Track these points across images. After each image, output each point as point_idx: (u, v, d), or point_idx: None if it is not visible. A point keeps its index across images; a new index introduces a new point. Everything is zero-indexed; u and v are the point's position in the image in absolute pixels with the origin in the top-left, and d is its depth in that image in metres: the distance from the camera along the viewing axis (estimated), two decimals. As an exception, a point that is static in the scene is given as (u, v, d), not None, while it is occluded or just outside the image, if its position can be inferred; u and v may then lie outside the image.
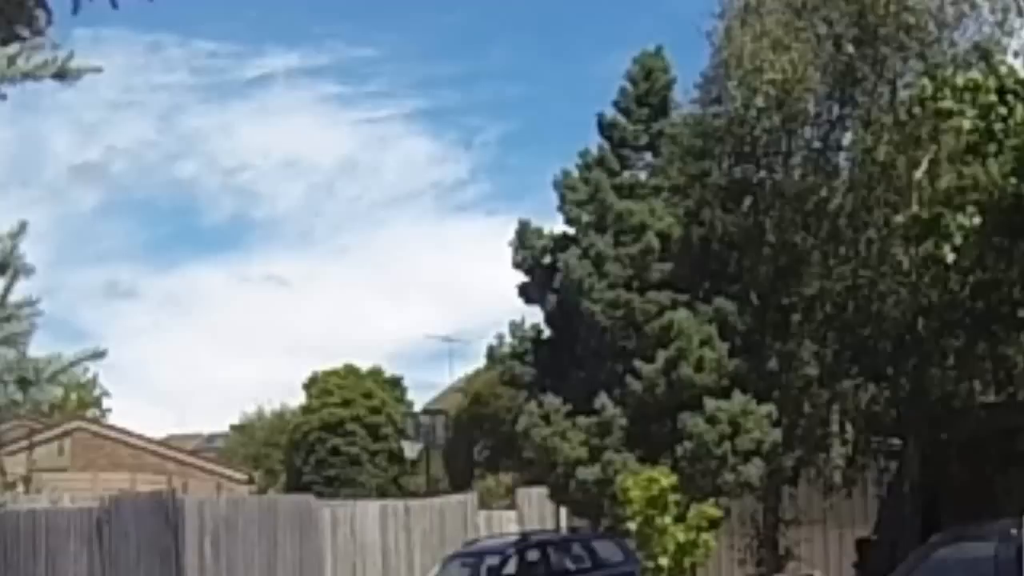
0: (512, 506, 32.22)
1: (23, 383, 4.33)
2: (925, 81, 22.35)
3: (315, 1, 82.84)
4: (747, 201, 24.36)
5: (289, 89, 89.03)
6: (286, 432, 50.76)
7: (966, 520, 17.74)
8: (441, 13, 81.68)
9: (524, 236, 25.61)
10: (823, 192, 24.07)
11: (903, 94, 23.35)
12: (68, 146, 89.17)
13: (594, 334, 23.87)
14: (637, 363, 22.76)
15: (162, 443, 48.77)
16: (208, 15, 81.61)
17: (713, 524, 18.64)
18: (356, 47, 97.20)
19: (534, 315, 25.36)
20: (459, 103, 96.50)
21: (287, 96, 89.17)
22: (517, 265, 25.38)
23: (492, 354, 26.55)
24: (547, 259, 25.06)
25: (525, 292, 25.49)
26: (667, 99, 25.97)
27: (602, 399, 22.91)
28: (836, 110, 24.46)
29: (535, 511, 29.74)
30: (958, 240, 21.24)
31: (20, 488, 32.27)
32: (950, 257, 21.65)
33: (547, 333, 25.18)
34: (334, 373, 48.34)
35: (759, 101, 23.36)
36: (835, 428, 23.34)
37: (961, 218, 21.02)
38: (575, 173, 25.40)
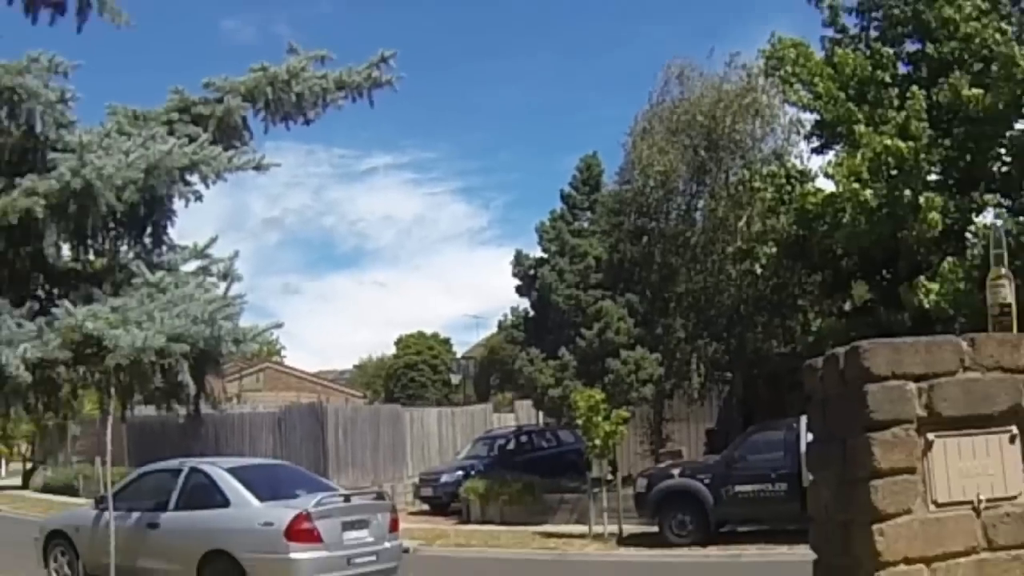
0: (512, 411, 32.50)
1: (236, 342, 4.29)
2: (745, 171, 22.51)
3: (401, 125, 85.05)
4: (645, 239, 24.47)
5: (386, 176, 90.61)
6: (384, 369, 51.01)
7: (768, 419, 17.82)
8: (471, 132, 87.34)
9: (519, 259, 25.87)
10: (688, 234, 24.19)
11: (733, 178, 23.45)
12: (261, 208, 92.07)
13: (558, 314, 23.91)
14: (583, 330, 22.80)
15: (314, 375, 49.18)
16: (340, 134, 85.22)
17: (625, 421, 18.54)
18: (424, 152, 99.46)
19: (524, 303, 25.47)
20: (482, 184, 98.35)
21: (385, 180, 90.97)
22: (515, 275, 25.53)
23: (501, 325, 26.96)
24: (532, 272, 25.20)
25: (519, 291, 25.62)
26: (600, 181, 26.15)
27: (563, 351, 22.94)
28: (694, 187, 24.57)
29: (525, 414, 30.08)
30: (764, 261, 21.55)
31: (234, 401, 32.48)
32: (759, 271, 22.10)
33: (532, 313, 25.22)
34: (412, 335, 48.79)
35: (651, 183, 23.44)
36: (694, 367, 23.45)
37: (765, 249, 21.26)
38: (547, 223, 25.52)
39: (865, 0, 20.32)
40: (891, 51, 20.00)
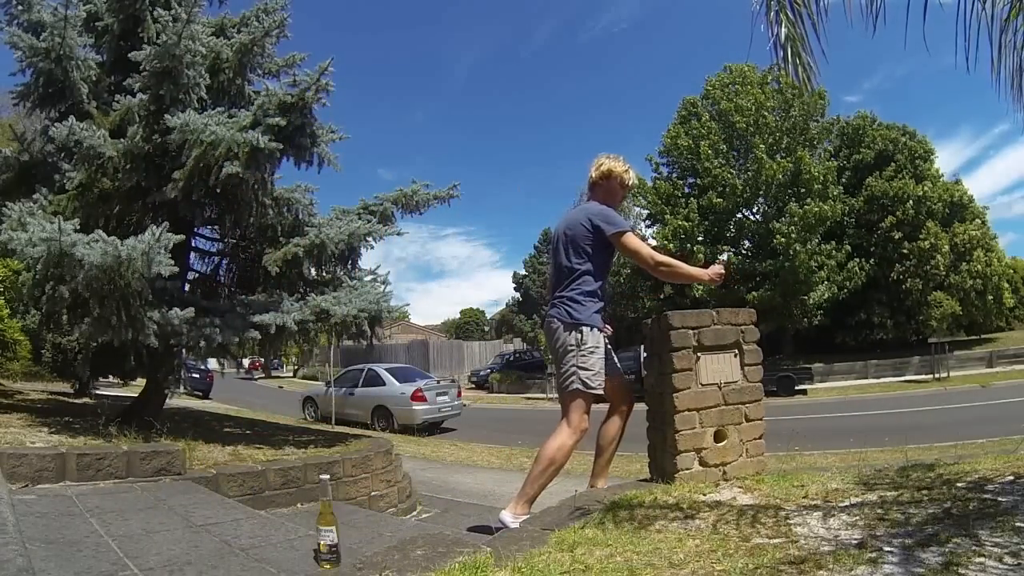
0: (512, 343, 31.81)
1: (388, 312, 4.14)
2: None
3: (460, 212, 78.78)
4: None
5: (453, 237, 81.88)
6: (454, 323, 49.46)
7: (627, 347, 17.31)
8: (492, 216, 74.77)
9: (516, 277, 25.51)
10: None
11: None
12: (398, 251, 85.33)
13: (532, 300, 23.72)
14: (543, 308, 22.54)
15: (423, 326, 47.95)
16: (433, 217, 78.99)
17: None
18: (471, 225, 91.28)
19: (517, 295, 25.18)
20: (497, 240, 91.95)
21: (452, 238, 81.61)
22: (514, 282, 25.33)
23: (507, 304, 26.69)
24: (521, 280, 24.95)
25: (516, 289, 25.38)
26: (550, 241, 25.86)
27: (534, 317, 22.80)
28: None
29: (518, 344, 29.45)
30: (624, 276, 21.14)
31: (388, 337, 31.65)
32: (623, 280, 21.54)
33: (520, 300, 24.98)
34: (466, 308, 47.14)
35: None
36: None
37: (625, 271, 20.65)
38: (528, 258, 25.31)
39: (669, 156, 20.34)
40: (680, 182, 19.99)
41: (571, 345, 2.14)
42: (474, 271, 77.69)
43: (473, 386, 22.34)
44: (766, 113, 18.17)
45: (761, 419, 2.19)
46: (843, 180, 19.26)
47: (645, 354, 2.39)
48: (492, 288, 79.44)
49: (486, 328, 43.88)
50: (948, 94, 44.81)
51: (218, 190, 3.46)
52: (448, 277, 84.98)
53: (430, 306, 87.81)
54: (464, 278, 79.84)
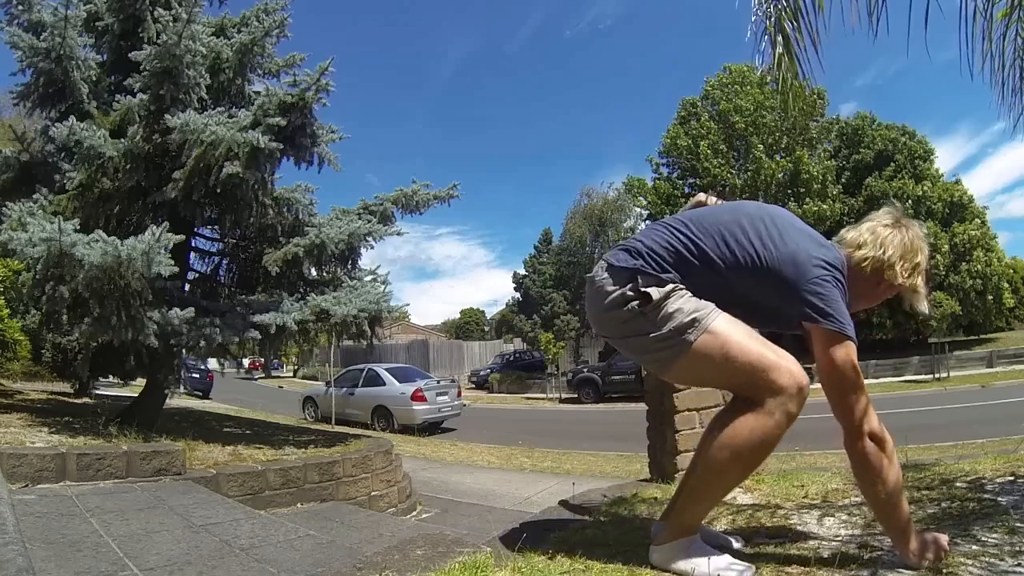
0: (512, 343, 31.66)
1: (388, 311, 4.11)
2: (616, 235, 22.25)
3: (455, 212, 78.69)
4: (571, 265, 24.16)
5: (447, 236, 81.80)
6: (454, 324, 49.44)
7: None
8: (486, 215, 73.78)
9: (516, 277, 25.45)
10: (591, 263, 23.87)
11: (612, 238, 23.18)
12: (392, 251, 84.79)
13: (533, 300, 23.65)
14: (542, 307, 22.53)
15: (423, 326, 47.82)
16: (428, 217, 78.70)
17: (562, 347, 18.40)
18: (464, 224, 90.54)
19: (516, 295, 25.12)
20: (492, 239, 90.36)
21: (447, 238, 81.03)
22: (514, 281, 25.27)
23: (507, 304, 26.69)
24: (521, 280, 24.89)
25: (516, 289, 25.33)
26: (551, 239, 25.80)
27: (534, 316, 22.73)
28: (593, 242, 24.22)
29: (518, 344, 29.32)
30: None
31: (388, 337, 31.55)
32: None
33: (520, 299, 24.91)
34: (466, 308, 47.33)
35: (574, 240, 23.15)
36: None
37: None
38: (528, 258, 25.25)
39: (669, 156, 20.34)
40: (680, 182, 19.97)
41: None
42: (470, 271, 76.37)
43: (473, 386, 22.16)
44: (765, 113, 18.17)
45: (761, 419, 2.21)
46: (843, 180, 19.24)
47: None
48: (488, 288, 78.12)
49: (486, 328, 43.64)
50: (945, 91, 44.27)
51: (218, 190, 3.46)
52: (444, 277, 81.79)
53: (426, 306, 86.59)
54: (460, 278, 77.76)
